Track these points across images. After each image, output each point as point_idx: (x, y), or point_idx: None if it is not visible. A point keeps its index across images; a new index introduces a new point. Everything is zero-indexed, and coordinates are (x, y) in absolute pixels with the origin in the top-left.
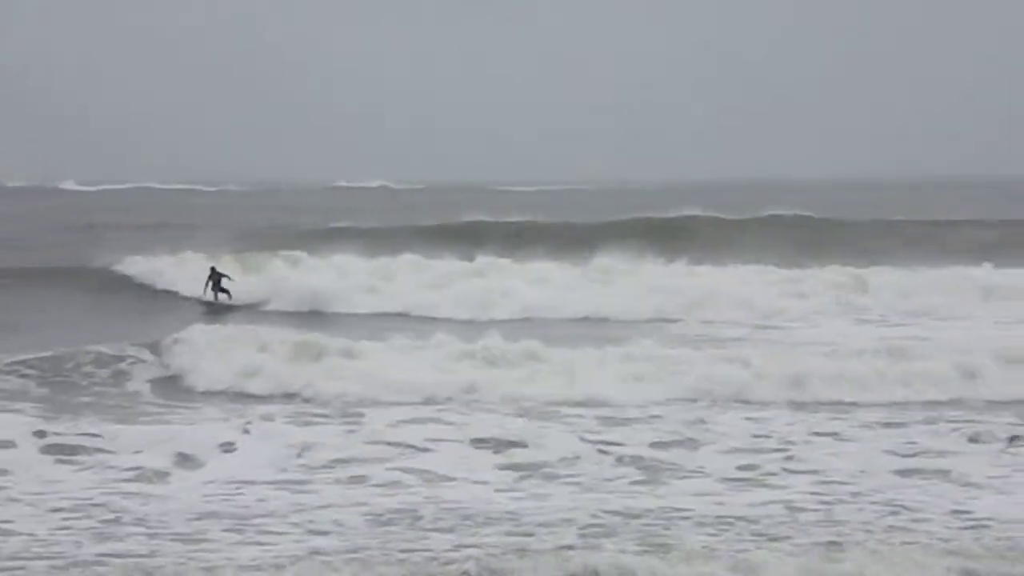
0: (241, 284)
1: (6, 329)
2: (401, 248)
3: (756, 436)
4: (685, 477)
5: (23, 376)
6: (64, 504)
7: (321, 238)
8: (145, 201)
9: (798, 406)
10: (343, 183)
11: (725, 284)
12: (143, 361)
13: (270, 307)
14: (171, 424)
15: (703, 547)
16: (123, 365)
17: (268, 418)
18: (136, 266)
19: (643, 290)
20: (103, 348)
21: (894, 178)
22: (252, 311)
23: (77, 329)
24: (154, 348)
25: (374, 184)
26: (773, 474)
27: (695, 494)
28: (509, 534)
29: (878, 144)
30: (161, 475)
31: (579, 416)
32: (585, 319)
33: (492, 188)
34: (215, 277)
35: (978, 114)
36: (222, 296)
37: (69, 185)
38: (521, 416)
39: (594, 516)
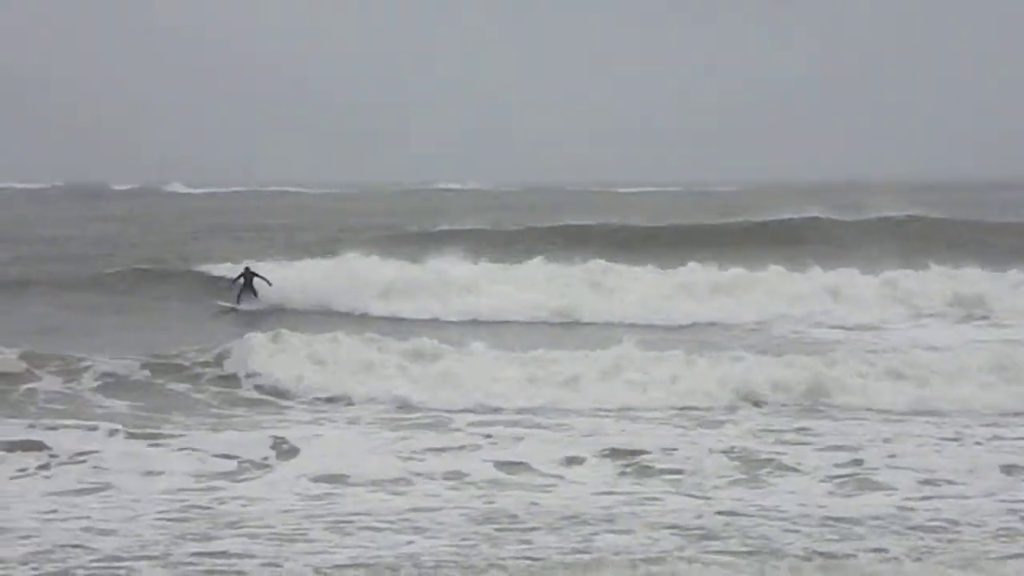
0: (333, 286)
1: (94, 331)
2: (504, 251)
3: (857, 437)
4: (786, 476)
5: (116, 378)
6: (162, 500)
7: (423, 241)
8: (251, 203)
9: (898, 409)
10: (442, 184)
11: (836, 286)
12: (230, 363)
13: (365, 311)
14: (262, 426)
15: (805, 549)
16: (213, 367)
17: (355, 420)
18: (233, 271)
19: (754, 293)
20: (195, 348)
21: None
22: (344, 315)
23: (171, 332)
24: (242, 350)
25: (469, 186)
26: (875, 469)
27: (796, 494)
28: (608, 532)
29: (880, 146)
30: (258, 472)
31: (675, 419)
32: (692, 325)
33: (586, 190)
34: (247, 276)
35: (979, 117)
36: (247, 296)
37: (176, 188)
38: (617, 420)
39: (698, 516)
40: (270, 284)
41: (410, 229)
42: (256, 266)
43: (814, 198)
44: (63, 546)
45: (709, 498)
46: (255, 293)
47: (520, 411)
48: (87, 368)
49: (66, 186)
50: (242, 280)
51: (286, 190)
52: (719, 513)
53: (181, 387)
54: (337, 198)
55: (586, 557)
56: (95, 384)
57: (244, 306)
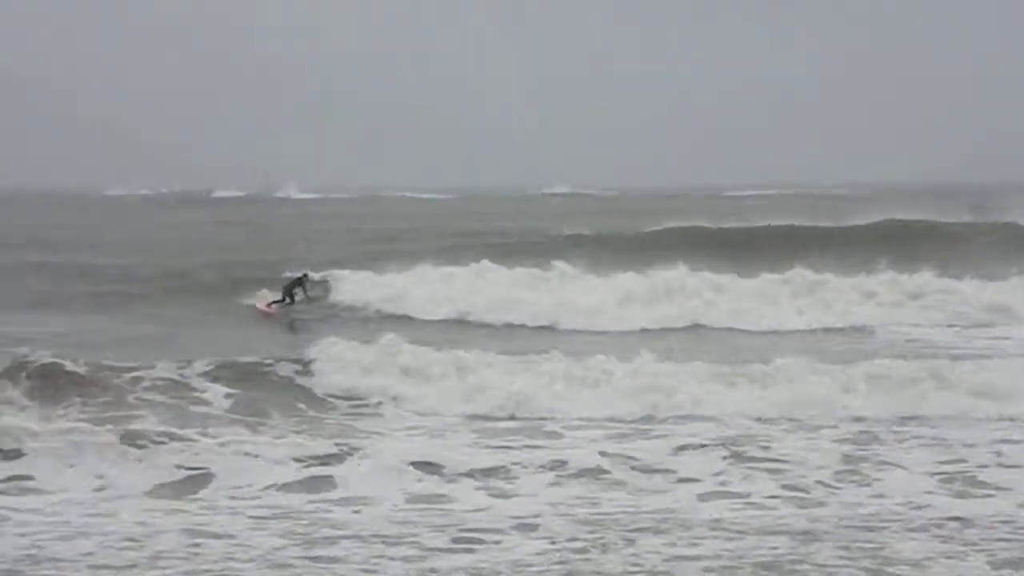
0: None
1: (198, 338)
2: (613, 257)
3: (968, 440)
4: (896, 476)
5: (212, 382)
6: (265, 503)
7: (538, 247)
8: (363, 209)
9: (1007, 413)
10: (545, 189)
11: (949, 290)
12: (322, 366)
13: (473, 318)
14: (357, 428)
15: (916, 551)
16: (305, 372)
17: (453, 426)
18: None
19: (863, 297)
20: (293, 352)
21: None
22: (455, 323)
23: (259, 340)
24: (338, 354)
25: (561, 190)
26: (984, 468)
27: (908, 496)
28: (715, 535)
29: (878, 147)
30: (358, 473)
31: (775, 425)
32: (794, 331)
33: (692, 193)
34: (297, 284)
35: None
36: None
37: (289, 193)
38: (723, 425)
39: (809, 520)
40: (290, 302)
41: (530, 234)
42: (336, 275)
43: (944, 201)
44: (164, 552)
45: (819, 501)
46: (292, 301)
47: (628, 419)
48: (188, 365)
49: (181, 193)
50: (296, 283)
51: (402, 195)
52: (828, 516)
53: (274, 389)
54: (448, 203)
55: (697, 564)
56: (195, 384)
57: (274, 309)
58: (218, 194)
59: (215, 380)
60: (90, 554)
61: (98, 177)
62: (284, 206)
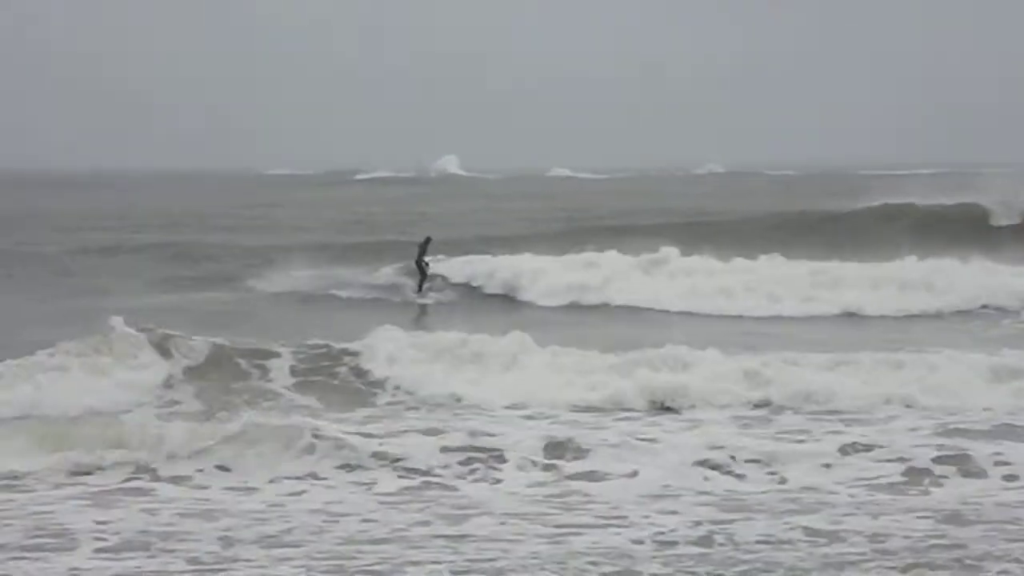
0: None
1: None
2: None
3: None
4: None
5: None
6: (390, 486)
7: (711, 230)
8: (524, 188)
9: None
10: (715, 168)
11: None
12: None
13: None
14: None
15: None
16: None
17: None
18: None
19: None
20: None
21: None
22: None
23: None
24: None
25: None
26: None
27: None
28: (858, 515)
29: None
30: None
31: (912, 410)
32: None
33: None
34: (423, 253)
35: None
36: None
37: (446, 168)
38: (860, 418)
39: (961, 503)
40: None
41: (694, 214)
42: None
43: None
44: (295, 528)
45: (965, 485)
46: (424, 273)
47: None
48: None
49: (325, 174)
50: (422, 251)
51: (566, 175)
52: (974, 500)
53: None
54: (615, 183)
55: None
56: (323, 365)
57: (419, 296)
58: (362, 176)
59: (337, 362)
60: (223, 530)
61: (260, 159)
62: (442, 183)
